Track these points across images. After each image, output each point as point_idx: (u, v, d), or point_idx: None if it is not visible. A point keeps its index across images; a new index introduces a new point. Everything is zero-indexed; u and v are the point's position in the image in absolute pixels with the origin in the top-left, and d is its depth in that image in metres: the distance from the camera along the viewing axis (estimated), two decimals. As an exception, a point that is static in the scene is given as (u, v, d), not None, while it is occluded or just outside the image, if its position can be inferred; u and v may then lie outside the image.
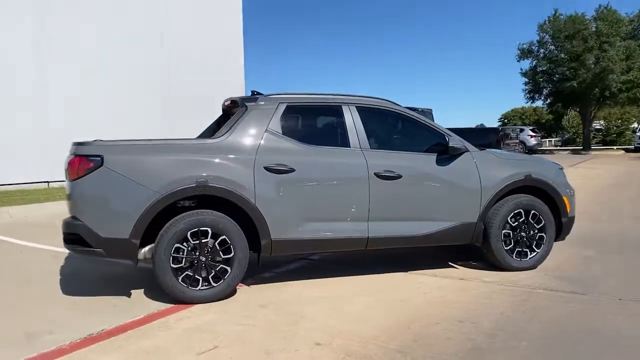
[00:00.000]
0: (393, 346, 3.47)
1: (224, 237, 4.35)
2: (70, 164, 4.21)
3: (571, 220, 5.45)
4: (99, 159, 4.18)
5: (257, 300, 4.42)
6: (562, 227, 5.39)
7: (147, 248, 4.37)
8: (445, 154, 5.01)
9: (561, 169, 5.61)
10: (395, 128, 5.43)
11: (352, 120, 4.88)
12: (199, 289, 4.32)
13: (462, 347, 3.46)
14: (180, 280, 4.27)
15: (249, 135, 4.56)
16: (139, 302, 4.41)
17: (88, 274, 5.31)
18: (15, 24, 12.99)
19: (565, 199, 5.36)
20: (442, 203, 4.98)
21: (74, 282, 5.01)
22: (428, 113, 15.54)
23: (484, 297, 4.47)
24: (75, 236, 4.24)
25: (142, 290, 4.68)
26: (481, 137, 13.05)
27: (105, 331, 3.75)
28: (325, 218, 4.67)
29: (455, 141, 4.99)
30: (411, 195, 4.90)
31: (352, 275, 5.17)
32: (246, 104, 4.74)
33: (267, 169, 4.48)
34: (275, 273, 5.31)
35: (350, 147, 4.82)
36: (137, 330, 3.79)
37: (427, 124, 5.19)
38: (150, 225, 4.28)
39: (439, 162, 5.00)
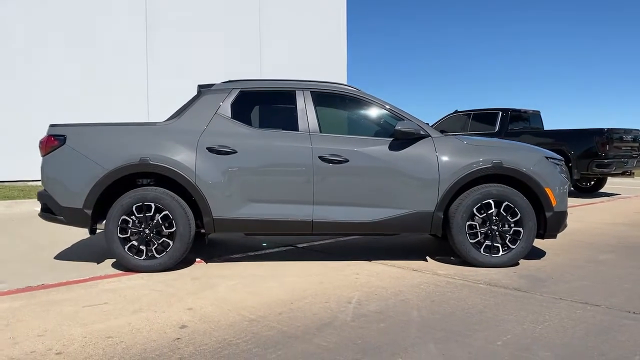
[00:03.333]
0: (252, 316, 3.48)
1: (166, 212, 4.68)
2: (41, 142, 4.89)
3: (559, 215, 4.80)
4: (62, 138, 4.80)
5: (195, 274, 4.66)
6: (547, 223, 4.78)
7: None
8: (399, 139, 4.78)
9: (551, 158, 4.96)
10: (354, 114, 5.30)
11: (303, 104, 4.92)
12: (143, 259, 4.70)
13: (314, 321, 3.35)
14: (126, 249, 4.69)
15: (196, 118, 4.86)
16: (102, 268, 4.92)
17: (93, 247, 6.01)
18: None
19: (548, 190, 4.75)
20: (392, 189, 4.76)
21: (71, 252, 5.72)
22: (535, 116, 14.35)
23: (411, 286, 4.19)
24: (44, 205, 4.90)
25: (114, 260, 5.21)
26: (579, 139, 11.67)
27: (42, 285, 4.30)
28: (269, 200, 4.76)
29: (405, 125, 4.74)
30: (359, 180, 4.77)
31: (314, 260, 5.15)
32: (201, 89, 5.05)
33: (209, 149, 4.72)
34: (245, 255, 5.49)
35: (298, 130, 4.85)
36: (67, 287, 4.27)
37: (391, 110, 5.00)
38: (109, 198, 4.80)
39: (393, 147, 4.79)
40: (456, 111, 13.90)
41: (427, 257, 5.26)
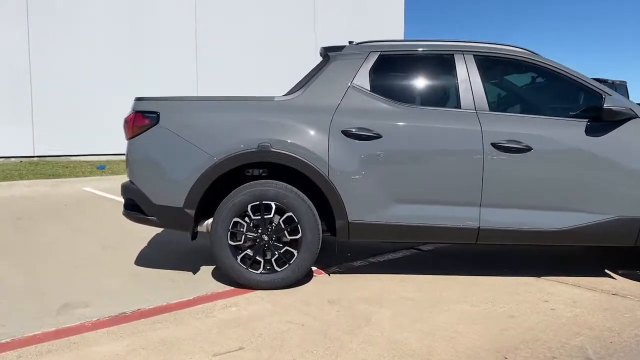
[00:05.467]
0: (469, 384, 2.41)
1: (290, 214, 3.61)
2: (127, 121, 3.81)
3: None
4: (154, 115, 3.71)
5: (327, 294, 3.61)
6: None
7: (210, 220, 3.83)
8: (602, 121, 3.61)
9: None
10: (531, 85, 4.12)
11: (466, 73, 3.75)
12: (260, 273, 3.65)
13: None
14: (238, 260, 3.65)
15: (327, 91, 3.72)
16: (201, 280, 3.89)
17: (174, 244, 4.99)
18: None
19: None
20: (591, 188, 3.61)
21: (152, 252, 4.71)
22: (621, 86, 12.98)
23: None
24: (131, 201, 3.85)
25: (214, 266, 4.18)
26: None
27: (138, 311, 3.28)
28: (421, 199, 3.65)
29: (613, 102, 3.56)
30: (544, 175, 3.62)
31: (463, 274, 4.06)
32: (329, 53, 3.90)
33: (346, 133, 3.60)
34: (368, 262, 4.42)
35: (461, 108, 3.70)
36: (172, 314, 3.25)
37: (580, 80, 3.81)
38: (217, 195, 3.75)
39: (591, 130, 3.61)
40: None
41: (606, 271, 4.15)
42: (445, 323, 3.10)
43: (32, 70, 11.08)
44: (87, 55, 11.80)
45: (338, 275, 4.05)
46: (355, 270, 4.18)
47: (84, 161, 10.72)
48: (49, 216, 6.26)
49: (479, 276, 4.01)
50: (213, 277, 3.96)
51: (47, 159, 10.78)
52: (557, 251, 4.75)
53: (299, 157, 3.58)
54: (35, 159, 10.70)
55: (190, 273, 4.06)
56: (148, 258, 4.49)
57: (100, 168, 10.08)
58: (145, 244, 4.93)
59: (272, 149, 3.58)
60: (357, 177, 3.61)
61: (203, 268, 4.17)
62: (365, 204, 3.63)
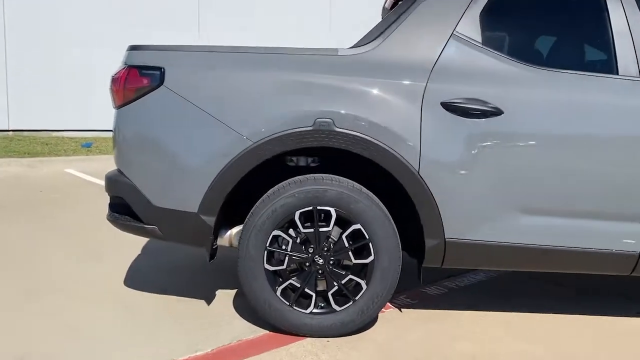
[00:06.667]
0: None
1: (358, 226, 2.40)
2: (116, 80, 2.55)
3: None
4: (157, 73, 2.45)
5: (411, 347, 2.43)
6: None
7: (235, 230, 2.62)
8: None
9: None
10: None
11: (623, 21, 2.51)
12: (310, 313, 2.45)
13: None
14: (278, 292, 2.44)
15: (417, 43, 2.47)
16: (219, 315, 2.69)
17: (179, 252, 3.76)
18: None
19: None
20: None
21: (149, 265, 3.48)
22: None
23: None
24: (120, 201, 2.62)
25: (236, 290, 2.98)
26: None
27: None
28: (559, 210, 2.44)
29: None
30: None
31: (594, 312, 2.88)
32: (418, -12, 2.64)
33: (448, 106, 2.37)
34: (446, 288, 3.23)
35: (618, 73, 2.47)
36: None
37: None
38: (239, 194, 2.53)
39: None
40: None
41: None
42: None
43: (6, 30, 9.64)
44: (74, 19, 10.38)
45: (412, 310, 2.86)
46: (433, 302, 2.99)
47: (67, 137, 9.35)
48: (17, 208, 4.99)
49: (610, 317, 2.83)
50: (237, 311, 2.76)
51: (24, 133, 9.38)
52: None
53: (376, 141, 2.35)
54: (10, 133, 9.30)
55: (203, 303, 2.85)
56: (144, 276, 3.27)
57: (86, 146, 8.79)
58: (139, 251, 3.69)
59: (337, 128, 2.35)
60: (464, 172, 2.40)
61: (221, 294, 2.97)
62: (473, 214, 2.42)
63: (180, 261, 3.52)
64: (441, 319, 2.74)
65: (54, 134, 9.64)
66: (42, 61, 9.85)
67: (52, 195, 5.56)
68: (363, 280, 2.45)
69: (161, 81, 2.43)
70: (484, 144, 2.38)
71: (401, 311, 2.83)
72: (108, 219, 2.67)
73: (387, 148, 2.35)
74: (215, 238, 2.58)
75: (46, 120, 9.73)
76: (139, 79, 2.46)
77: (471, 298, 3.06)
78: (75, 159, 7.83)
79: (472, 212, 2.41)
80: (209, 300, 2.88)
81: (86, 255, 3.60)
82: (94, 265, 3.40)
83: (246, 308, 2.64)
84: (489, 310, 2.86)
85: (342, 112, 2.36)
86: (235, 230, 2.63)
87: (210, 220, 2.43)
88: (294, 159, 2.62)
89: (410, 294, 3.06)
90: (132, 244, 3.70)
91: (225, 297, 2.93)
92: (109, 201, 2.71)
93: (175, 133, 2.44)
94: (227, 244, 2.64)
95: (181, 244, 2.59)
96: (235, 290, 2.99)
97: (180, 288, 3.04)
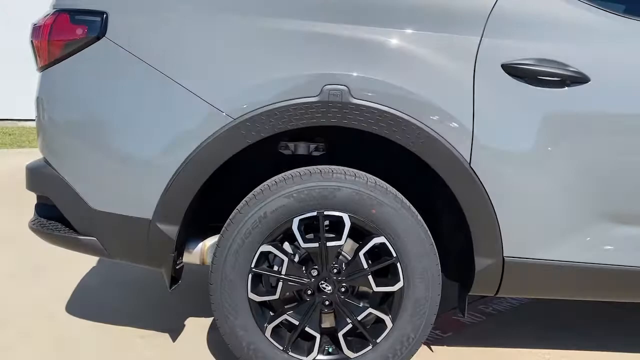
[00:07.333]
0: None
1: (382, 239, 1.68)
2: (38, 31, 1.80)
3: None
4: (97, 20, 1.71)
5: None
6: None
7: (209, 241, 1.89)
8: None
9: None
10: None
11: None
12: (313, 362, 1.74)
13: None
14: (268, 332, 1.72)
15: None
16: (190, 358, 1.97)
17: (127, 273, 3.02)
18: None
19: None
20: None
21: (100, 281, 2.74)
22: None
23: None
24: (42, 205, 1.89)
25: (212, 319, 2.26)
26: None
27: None
28: None
29: None
30: None
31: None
32: None
33: (513, 70, 1.65)
34: (484, 314, 2.53)
35: None
36: None
37: None
38: (214, 196, 1.82)
39: None
40: None
41: None
42: None
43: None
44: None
45: (446, 349, 2.15)
46: (470, 335, 2.29)
47: (35, 127, 8.55)
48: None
49: None
50: (212, 351, 2.04)
51: (-13, 123, 8.55)
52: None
53: (411, 118, 1.64)
54: (-32, 122, 8.47)
55: (167, 338, 2.12)
56: (92, 299, 2.53)
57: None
58: (95, 264, 2.94)
59: (354, 99, 1.63)
60: (534, 165, 1.69)
61: (192, 325, 2.25)
62: (547, 224, 1.71)
63: (144, 278, 2.77)
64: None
65: (21, 123, 8.77)
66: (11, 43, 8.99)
67: (7, 193, 4.77)
68: (387, 315, 1.73)
69: (102, 31, 1.69)
70: (564, 124, 1.68)
71: (432, 351, 2.12)
72: (30, 227, 1.92)
73: (427, 129, 1.64)
74: (180, 254, 1.85)
75: (12, 108, 8.87)
76: (70, 28, 1.72)
77: (518, 328, 2.37)
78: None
79: (546, 221, 1.71)
80: (174, 335, 2.16)
81: (23, 270, 2.84)
82: (30, 284, 2.65)
83: (225, 348, 1.92)
84: (550, 346, 2.17)
85: (362, 76, 1.64)
86: (209, 242, 1.91)
87: (171, 230, 1.70)
88: (291, 145, 1.90)
89: (439, 322, 2.36)
90: (85, 256, 2.94)
91: (197, 329, 2.21)
92: (35, 203, 1.97)
93: (122, 106, 1.71)
94: (197, 262, 1.92)
95: (131, 263, 1.85)
96: (212, 318, 2.27)
97: (139, 315, 2.31)
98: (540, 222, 1.71)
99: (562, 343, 2.20)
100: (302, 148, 1.89)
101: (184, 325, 2.24)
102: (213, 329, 2.18)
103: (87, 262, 2.88)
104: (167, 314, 2.34)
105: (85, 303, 2.44)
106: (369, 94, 1.63)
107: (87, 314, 2.31)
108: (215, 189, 1.89)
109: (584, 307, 2.60)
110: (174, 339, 2.12)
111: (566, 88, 1.66)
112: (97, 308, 2.38)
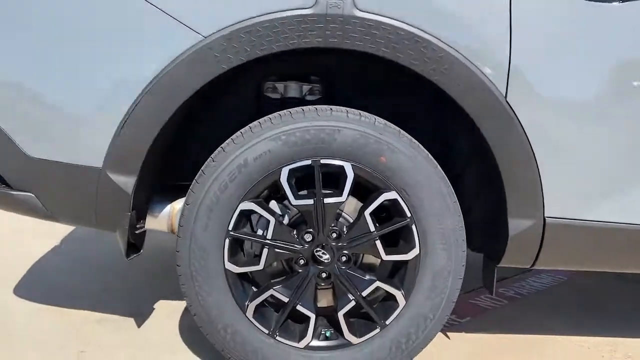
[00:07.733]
0: None
1: (393, 194, 1.33)
2: None
3: None
4: None
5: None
6: None
7: (178, 203, 1.53)
8: None
9: None
10: None
11: None
12: (307, 347, 1.39)
13: None
14: (250, 312, 1.37)
15: None
16: (156, 352, 1.62)
17: (92, 256, 2.65)
18: None
19: None
20: None
21: (63, 257, 2.37)
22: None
23: None
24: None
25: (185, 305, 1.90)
26: None
27: None
28: None
29: None
30: None
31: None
32: None
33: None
34: (503, 298, 2.18)
35: None
36: None
37: None
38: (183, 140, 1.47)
39: None
40: None
41: None
42: None
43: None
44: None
45: (461, 336, 1.81)
46: (489, 321, 1.95)
47: None
48: None
49: None
50: (184, 339, 1.69)
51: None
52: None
53: (430, 37, 1.28)
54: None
55: (132, 323, 1.77)
56: (47, 281, 2.15)
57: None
58: (57, 242, 2.57)
59: (358, 12, 1.27)
60: (587, 103, 1.35)
61: (162, 307, 1.89)
62: (602, 179, 1.38)
63: (109, 253, 2.40)
64: (506, 352, 1.70)
65: None
66: None
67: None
68: (399, 291, 1.39)
69: None
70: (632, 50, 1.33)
71: (449, 339, 1.78)
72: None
73: (452, 51, 1.29)
74: (141, 217, 1.50)
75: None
76: None
77: (546, 313, 2.03)
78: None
79: (602, 175, 1.36)
80: (140, 319, 1.80)
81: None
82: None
83: (200, 333, 1.55)
84: (581, 334, 1.83)
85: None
86: (178, 204, 1.55)
87: (127, 182, 1.35)
88: (280, 86, 1.54)
89: (456, 307, 2.01)
90: (48, 230, 2.56)
91: (167, 313, 1.86)
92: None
93: (61, 21, 1.34)
94: (164, 228, 1.56)
95: (76, 224, 1.50)
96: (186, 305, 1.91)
97: (100, 299, 1.95)
98: (595, 176, 1.37)
99: (599, 330, 1.87)
100: (293, 90, 1.55)
101: (153, 309, 1.88)
102: (187, 313, 1.83)
103: (47, 237, 2.51)
104: (135, 297, 1.98)
105: (37, 284, 2.08)
106: (378, 5, 1.27)
107: (37, 296, 1.95)
108: (189, 143, 1.55)
109: (619, 290, 2.26)
110: (139, 324, 1.77)
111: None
112: (50, 290, 2.02)
